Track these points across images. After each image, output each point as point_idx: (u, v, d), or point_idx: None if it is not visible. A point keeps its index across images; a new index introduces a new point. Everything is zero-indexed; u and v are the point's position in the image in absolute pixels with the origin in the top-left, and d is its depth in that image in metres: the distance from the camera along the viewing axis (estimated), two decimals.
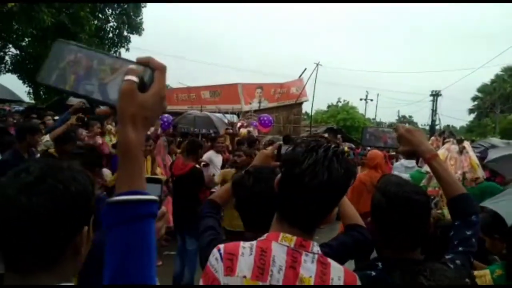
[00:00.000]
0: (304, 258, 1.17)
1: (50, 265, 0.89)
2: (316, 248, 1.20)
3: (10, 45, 16.51)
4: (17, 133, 4.96)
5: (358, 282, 1.24)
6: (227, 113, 12.57)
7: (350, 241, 1.64)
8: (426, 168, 4.32)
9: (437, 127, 30.63)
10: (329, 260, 1.21)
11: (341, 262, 1.53)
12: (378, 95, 43.94)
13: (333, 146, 1.22)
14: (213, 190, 5.33)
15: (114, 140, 7.03)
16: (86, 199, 0.94)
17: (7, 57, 17.01)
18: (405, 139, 1.65)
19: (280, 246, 1.17)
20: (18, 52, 16.81)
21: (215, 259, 1.17)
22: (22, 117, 8.40)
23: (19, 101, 12.75)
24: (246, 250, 1.17)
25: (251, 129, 9.16)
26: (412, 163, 6.57)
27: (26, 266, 0.87)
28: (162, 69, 0.85)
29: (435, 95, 34.49)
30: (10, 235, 0.85)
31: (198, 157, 5.29)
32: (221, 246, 1.20)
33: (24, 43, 15.96)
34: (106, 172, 6.02)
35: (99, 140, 6.38)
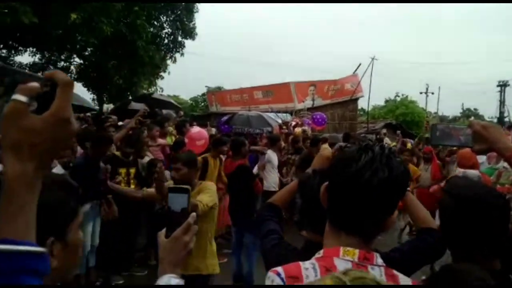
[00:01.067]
0: (371, 272, 1.03)
1: None
2: (380, 260, 1.07)
3: (75, 55, 17.59)
4: (93, 141, 5.10)
5: None
6: (279, 112, 12.50)
7: (423, 246, 1.50)
8: (502, 163, 3.97)
9: (506, 119, 28.61)
10: (395, 271, 1.08)
11: (413, 268, 1.41)
12: (439, 87, 41.77)
13: (386, 144, 1.11)
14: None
15: (173, 140, 7.25)
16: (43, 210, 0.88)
17: (72, 67, 18.16)
18: (481, 137, 1.44)
19: (343, 262, 1.05)
20: (81, 61, 17.88)
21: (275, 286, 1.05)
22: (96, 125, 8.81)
23: (90, 109, 13.45)
24: (310, 272, 1.05)
25: (306, 127, 8.98)
26: (482, 158, 6.11)
27: None
28: (65, 84, 0.68)
29: (503, 85, 32.37)
30: None
31: (243, 154, 5.38)
32: (280, 269, 1.07)
33: (86, 53, 16.90)
34: (166, 173, 6.19)
35: (162, 141, 6.60)
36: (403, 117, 30.01)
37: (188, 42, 18.18)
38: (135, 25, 14.48)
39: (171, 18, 17.57)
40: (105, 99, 18.20)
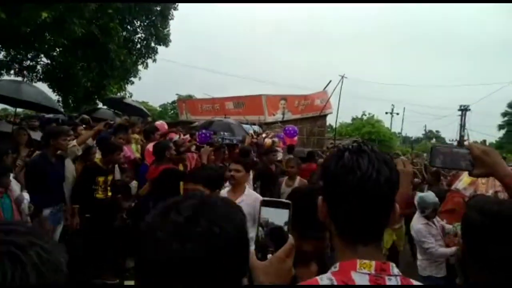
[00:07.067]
0: (389, 284, 1.04)
1: None
2: (396, 270, 1.08)
3: (42, 55, 17.01)
4: (42, 139, 4.98)
5: None
6: (254, 124, 12.53)
7: None
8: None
9: (466, 142, 29.81)
10: (412, 280, 1.10)
11: None
12: (404, 108, 43.31)
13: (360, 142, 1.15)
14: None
15: (139, 148, 7.07)
16: (243, 242, 0.83)
17: (38, 67, 17.54)
18: (480, 161, 1.44)
19: (361, 275, 1.04)
20: (49, 61, 17.31)
21: None
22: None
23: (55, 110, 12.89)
24: None
25: (276, 139, 9.00)
26: None
27: None
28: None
29: (464, 109, 33.76)
30: (161, 284, 0.76)
31: (168, 159, 5.11)
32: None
33: (55, 53, 16.39)
34: (132, 182, 6.02)
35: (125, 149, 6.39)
36: (369, 136, 30.75)
37: (161, 49, 18.03)
38: (108, 27, 14.22)
39: (145, 23, 17.38)
40: (70, 101, 17.65)
